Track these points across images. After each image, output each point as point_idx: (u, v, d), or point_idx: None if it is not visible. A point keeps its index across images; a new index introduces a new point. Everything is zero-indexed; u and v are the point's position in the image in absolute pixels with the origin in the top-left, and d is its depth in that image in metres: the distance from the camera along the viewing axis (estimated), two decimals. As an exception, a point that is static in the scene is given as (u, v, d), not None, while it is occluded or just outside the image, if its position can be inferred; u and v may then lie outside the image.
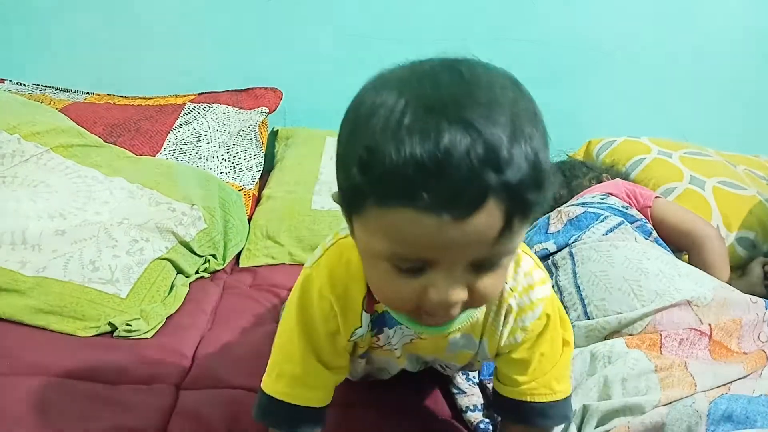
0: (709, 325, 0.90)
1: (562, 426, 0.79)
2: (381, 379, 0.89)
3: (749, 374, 0.84)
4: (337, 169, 0.55)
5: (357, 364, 0.78)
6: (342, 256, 0.66)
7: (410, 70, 0.52)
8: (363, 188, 0.49)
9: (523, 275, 0.67)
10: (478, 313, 0.67)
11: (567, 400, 0.71)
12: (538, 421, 0.70)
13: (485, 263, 0.52)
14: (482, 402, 0.90)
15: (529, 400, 0.69)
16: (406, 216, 0.47)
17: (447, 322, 0.61)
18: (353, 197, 0.51)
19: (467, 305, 0.55)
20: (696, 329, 0.89)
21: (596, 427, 0.78)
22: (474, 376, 0.94)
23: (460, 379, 0.92)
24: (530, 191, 0.47)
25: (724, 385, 0.81)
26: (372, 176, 0.48)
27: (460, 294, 0.52)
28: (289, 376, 0.68)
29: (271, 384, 0.69)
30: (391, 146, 0.46)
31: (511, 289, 0.67)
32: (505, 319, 0.67)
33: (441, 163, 0.44)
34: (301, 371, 0.68)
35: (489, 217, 0.46)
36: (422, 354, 0.76)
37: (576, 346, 0.92)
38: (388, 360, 0.77)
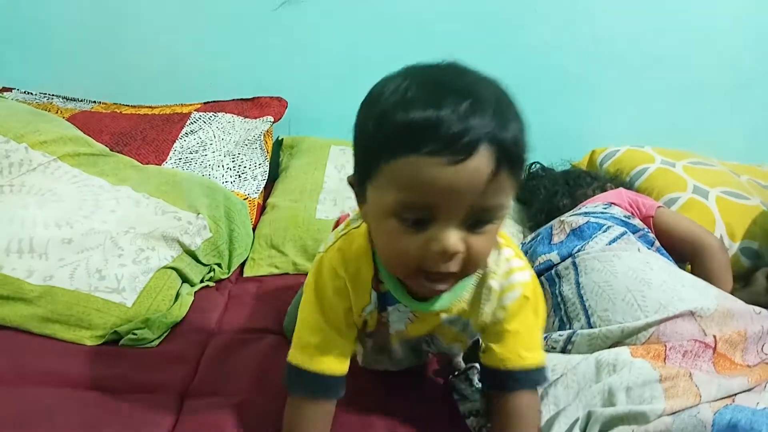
0: (714, 336, 0.90)
1: (564, 429, 0.80)
2: (385, 367, 0.95)
3: (753, 387, 0.84)
4: (354, 148, 0.67)
5: (366, 342, 0.87)
6: (353, 242, 0.76)
7: (412, 66, 0.64)
8: (376, 149, 0.61)
9: (504, 260, 0.77)
10: (465, 294, 0.78)
11: (538, 369, 0.79)
12: (509, 384, 0.79)
13: (478, 217, 0.61)
14: (484, 407, 0.90)
15: (501, 367, 0.78)
16: (412, 163, 0.57)
17: (440, 294, 0.73)
18: (369, 162, 0.63)
19: (462, 268, 0.63)
20: (700, 341, 0.89)
21: (599, 433, 0.78)
22: (476, 382, 0.94)
23: (463, 386, 0.92)
24: (514, 145, 0.59)
25: (729, 396, 0.81)
26: (384, 136, 0.60)
27: (458, 245, 0.61)
28: (309, 346, 0.76)
29: (295, 354, 0.78)
30: (399, 109, 0.58)
31: (493, 272, 0.77)
32: (487, 298, 0.77)
33: (440, 118, 0.56)
34: (322, 342, 0.76)
35: (480, 161, 0.57)
36: (417, 333, 0.84)
37: (579, 354, 0.93)
38: (386, 341, 0.85)
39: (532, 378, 0.79)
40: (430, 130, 0.56)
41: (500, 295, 0.77)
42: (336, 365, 0.77)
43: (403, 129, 0.57)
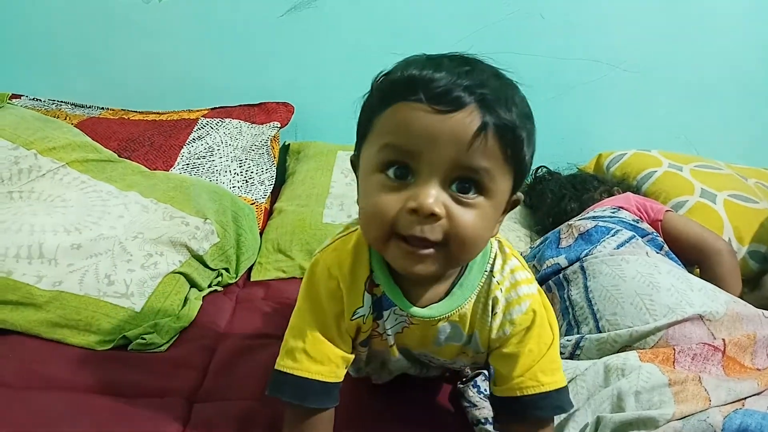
0: (723, 340, 0.90)
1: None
2: (381, 380, 0.91)
3: (763, 391, 0.83)
4: (357, 125, 0.67)
5: (359, 352, 0.81)
6: (350, 242, 0.74)
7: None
8: (374, 106, 0.63)
9: (509, 271, 0.73)
10: (466, 304, 0.73)
11: (559, 392, 0.73)
12: (530, 413, 0.73)
13: (462, 177, 0.60)
14: (493, 415, 0.90)
15: (519, 394, 0.72)
16: (403, 108, 0.59)
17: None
18: (366, 122, 0.64)
19: (444, 242, 0.61)
20: (709, 344, 0.89)
21: (609, 438, 0.78)
22: (485, 389, 0.94)
23: (471, 393, 0.92)
24: (503, 111, 0.59)
25: (738, 401, 0.81)
26: (381, 91, 0.63)
27: (436, 204, 0.59)
28: (296, 350, 0.72)
29: (281, 360, 0.74)
30: (399, 70, 0.62)
31: (498, 283, 0.73)
32: (493, 311, 0.73)
33: (435, 74, 0.59)
34: (308, 346, 0.72)
35: (467, 117, 0.58)
36: (411, 346, 0.80)
37: (588, 359, 0.93)
38: (386, 352, 0.81)
39: (554, 402, 0.73)
40: (423, 82, 0.58)
41: (506, 308, 0.72)
42: (324, 370, 0.72)
43: (399, 81, 0.61)
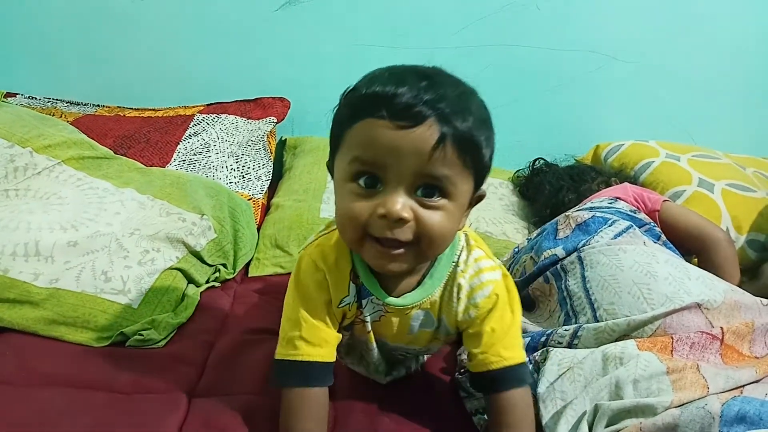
0: (721, 328, 0.90)
1: (571, 425, 0.80)
2: (362, 365, 0.95)
3: (761, 378, 0.83)
4: (330, 135, 0.73)
5: (343, 334, 0.86)
6: (332, 239, 0.81)
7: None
8: (344, 120, 0.68)
9: (473, 260, 0.81)
10: (436, 293, 0.81)
11: (520, 365, 0.80)
12: (495, 386, 0.80)
13: (426, 185, 0.66)
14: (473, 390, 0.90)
15: (483, 369, 0.80)
16: (368, 124, 0.65)
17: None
18: (338, 134, 0.70)
19: (415, 241, 0.68)
20: (708, 333, 0.89)
21: (606, 426, 0.78)
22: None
23: (468, 383, 0.92)
24: (459, 122, 0.64)
25: (737, 388, 0.81)
26: (349, 106, 0.68)
27: (403, 210, 0.65)
28: (295, 338, 0.78)
29: (282, 350, 0.79)
30: (365, 85, 0.67)
31: (462, 271, 0.80)
32: (458, 296, 0.80)
33: (397, 90, 0.63)
34: (304, 332, 0.78)
35: (427, 131, 0.63)
36: (387, 336, 0.86)
37: (586, 348, 0.93)
38: (365, 341, 0.87)
39: (516, 376, 0.80)
40: (386, 99, 0.63)
41: (470, 294, 0.80)
42: (323, 352, 0.79)
43: (365, 98, 0.66)
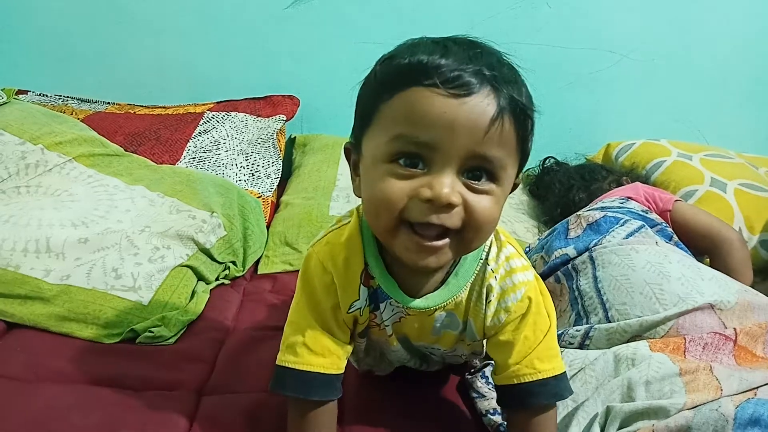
0: (734, 329, 0.89)
1: (582, 427, 0.79)
2: (383, 372, 0.91)
3: (775, 380, 0.83)
4: (355, 113, 0.65)
5: (358, 343, 0.81)
6: (343, 235, 0.72)
7: None
8: (377, 92, 0.60)
9: (504, 259, 0.73)
10: (462, 293, 0.72)
11: (557, 378, 0.73)
12: (530, 401, 0.72)
13: (477, 167, 0.59)
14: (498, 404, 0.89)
15: (516, 382, 0.72)
16: (413, 94, 0.57)
17: (430, 258, 0.63)
18: (368, 109, 0.62)
19: (461, 230, 0.60)
20: (721, 334, 0.88)
21: (619, 429, 0.77)
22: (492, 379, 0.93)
23: (479, 383, 0.92)
24: (516, 93, 0.58)
25: (751, 390, 0.80)
26: (386, 76, 0.60)
27: (453, 194, 0.57)
28: (297, 345, 0.72)
29: (282, 355, 0.73)
30: (405, 54, 0.59)
31: (493, 271, 0.72)
32: (487, 299, 0.72)
33: (446, 58, 0.56)
34: (307, 339, 0.72)
35: (484, 100, 0.56)
36: (410, 335, 0.79)
37: (597, 349, 0.92)
38: (385, 342, 0.80)
39: (552, 390, 0.72)
40: (434, 66, 0.56)
41: (501, 296, 0.72)
42: (325, 362, 0.72)
43: (407, 66, 0.58)
